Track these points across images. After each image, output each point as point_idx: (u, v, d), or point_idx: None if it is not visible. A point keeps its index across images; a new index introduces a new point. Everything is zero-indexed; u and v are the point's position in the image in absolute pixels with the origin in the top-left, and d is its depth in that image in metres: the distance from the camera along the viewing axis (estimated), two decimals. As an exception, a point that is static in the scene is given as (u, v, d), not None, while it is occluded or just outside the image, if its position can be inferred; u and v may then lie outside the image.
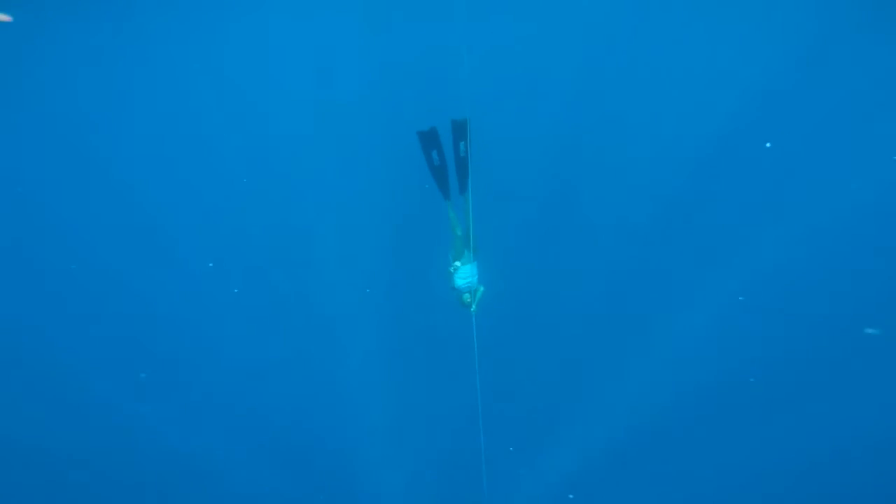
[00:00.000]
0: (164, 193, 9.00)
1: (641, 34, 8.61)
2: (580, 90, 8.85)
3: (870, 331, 8.65)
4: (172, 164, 8.97)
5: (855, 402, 8.76)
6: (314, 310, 9.61)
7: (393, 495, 10.18)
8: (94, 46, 8.37)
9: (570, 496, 9.98)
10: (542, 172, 9.04)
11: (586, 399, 9.81)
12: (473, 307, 7.11)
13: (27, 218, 8.86)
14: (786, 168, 8.89)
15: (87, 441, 9.37)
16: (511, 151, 8.76)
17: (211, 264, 9.30)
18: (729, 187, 8.91)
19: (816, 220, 8.79)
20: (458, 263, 7.12)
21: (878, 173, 8.49)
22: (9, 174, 8.67)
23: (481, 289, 7.24)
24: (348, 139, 9.05)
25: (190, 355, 9.49)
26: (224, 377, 9.64)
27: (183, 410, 9.49)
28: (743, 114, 8.59)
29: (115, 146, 8.77)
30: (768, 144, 8.63)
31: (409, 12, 8.58)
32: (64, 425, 9.34)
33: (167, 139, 8.84)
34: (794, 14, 8.16)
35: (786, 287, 9.22)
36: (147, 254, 9.09)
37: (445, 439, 9.95)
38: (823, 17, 8.08)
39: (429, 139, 7.22)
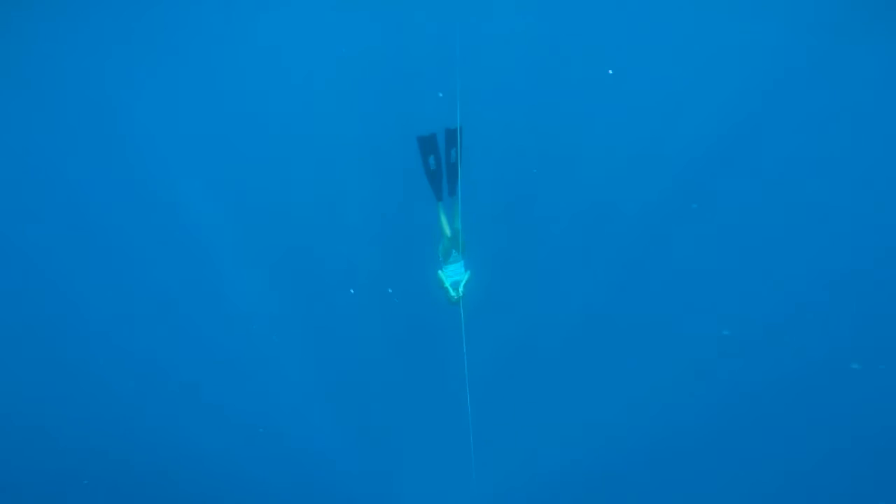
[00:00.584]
0: (156, 193, 9.33)
1: (629, 43, 8.72)
2: (561, 94, 9.10)
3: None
4: (163, 163, 9.21)
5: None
6: (304, 305, 9.99)
7: (383, 490, 10.61)
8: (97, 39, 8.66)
9: None
10: (529, 175, 9.34)
11: (574, 395, 10.06)
12: (461, 292, 7.63)
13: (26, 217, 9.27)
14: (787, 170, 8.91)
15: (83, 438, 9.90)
16: (497, 156, 9.08)
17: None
18: (706, 192, 9.00)
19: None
20: (446, 268, 7.67)
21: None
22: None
23: (468, 273, 7.74)
24: (340, 141, 9.43)
25: (181, 350, 9.82)
26: (217, 374, 10.01)
27: (170, 407, 9.81)
28: (728, 122, 8.68)
29: (109, 141, 9.04)
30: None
31: (405, 12, 8.91)
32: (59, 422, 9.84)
33: (159, 138, 9.10)
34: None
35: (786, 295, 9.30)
36: (137, 252, 9.47)
37: (434, 434, 10.30)
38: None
39: (427, 144, 7.74)
